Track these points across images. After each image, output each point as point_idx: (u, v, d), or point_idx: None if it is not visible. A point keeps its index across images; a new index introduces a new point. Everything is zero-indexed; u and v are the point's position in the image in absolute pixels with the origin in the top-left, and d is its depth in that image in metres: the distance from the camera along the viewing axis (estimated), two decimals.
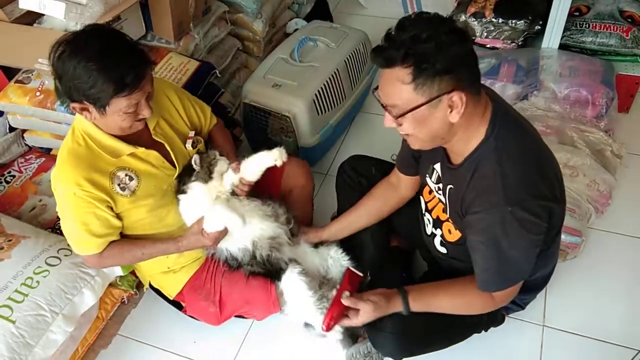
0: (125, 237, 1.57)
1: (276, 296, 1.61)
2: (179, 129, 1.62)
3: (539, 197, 1.15)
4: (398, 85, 1.11)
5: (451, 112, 1.13)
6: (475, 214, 1.20)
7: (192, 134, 1.64)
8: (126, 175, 1.48)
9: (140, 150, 1.49)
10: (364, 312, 1.36)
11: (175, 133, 1.60)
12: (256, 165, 1.53)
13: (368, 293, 1.39)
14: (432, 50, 1.06)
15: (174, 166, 1.56)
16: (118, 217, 1.50)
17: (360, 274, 1.45)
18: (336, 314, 1.37)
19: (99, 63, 1.27)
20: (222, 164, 1.56)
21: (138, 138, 1.48)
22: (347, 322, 1.39)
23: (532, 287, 1.50)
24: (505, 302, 1.35)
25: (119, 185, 1.46)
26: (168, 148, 1.54)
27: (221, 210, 1.47)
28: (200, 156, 1.54)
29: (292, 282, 1.52)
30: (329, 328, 1.38)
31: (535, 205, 1.15)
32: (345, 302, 1.36)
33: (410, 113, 1.13)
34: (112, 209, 1.47)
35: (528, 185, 1.15)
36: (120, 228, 1.53)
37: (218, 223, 1.47)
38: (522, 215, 1.14)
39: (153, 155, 1.52)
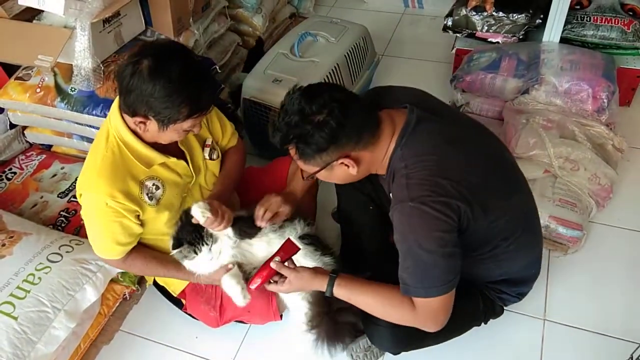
0: (143, 244, 1.60)
1: (277, 306, 1.62)
2: (200, 135, 1.61)
3: (439, 194, 1.19)
4: (294, 158, 1.29)
5: (348, 167, 1.28)
6: (391, 211, 1.26)
7: (209, 141, 1.62)
8: (153, 184, 1.48)
9: (172, 161, 1.49)
10: (288, 281, 1.39)
11: (197, 139, 1.60)
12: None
13: (302, 267, 1.44)
14: (303, 137, 1.22)
15: (192, 174, 1.57)
16: (141, 224, 1.51)
17: (299, 247, 1.45)
18: (264, 275, 1.41)
19: (181, 85, 1.28)
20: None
21: (166, 146, 1.48)
22: (272, 287, 1.42)
23: (518, 280, 1.50)
24: (426, 322, 1.29)
25: (147, 194, 1.47)
26: (188, 158, 1.55)
27: (233, 287, 1.50)
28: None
29: None
30: (256, 288, 1.42)
31: (436, 201, 1.19)
32: (272, 265, 1.39)
33: (313, 175, 1.33)
34: (139, 217, 1.48)
35: (428, 184, 1.21)
36: (140, 235, 1.54)
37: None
38: (423, 209, 1.19)
39: (181, 165, 1.53)
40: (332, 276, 1.37)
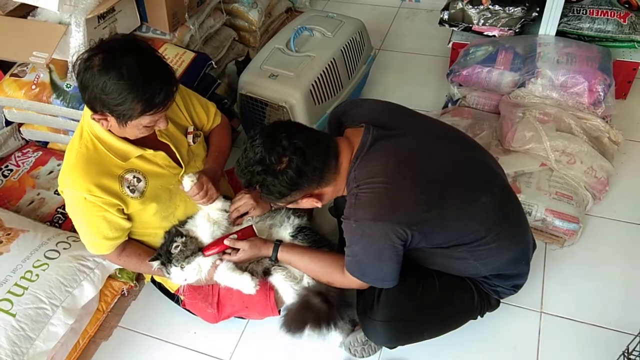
0: (139, 237, 1.63)
1: (275, 302, 1.63)
2: (181, 125, 1.62)
3: (382, 219, 1.28)
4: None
5: (313, 202, 1.37)
6: (342, 220, 1.36)
7: (191, 128, 1.64)
8: (134, 177, 1.49)
9: (149, 152, 1.49)
10: (242, 250, 1.54)
11: (179, 130, 1.60)
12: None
13: (255, 237, 1.59)
14: (266, 187, 1.31)
15: (180, 165, 1.57)
16: (128, 218, 1.52)
17: (256, 234, 1.59)
18: (219, 248, 1.54)
19: (131, 81, 1.26)
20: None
21: (144, 139, 1.48)
22: (227, 257, 1.55)
23: (509, 275, 1.50)
24: (350, 287, 1.50)
25: (128, 187, 1.47)
26: (173, 148, 1.55)
27: (238, 278, 1.57)
28: (185, 243, 1.54)
29: (279, 284, 1.62)
30: (210, 254, 1.54)
31: (377, 226, 1.28)
32: (226, 242, 1.53)
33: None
34: (123, 211, 1.49)
35: (374, 208, 1.29)
36: (129, 229, 1.56)
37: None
38: (365, 231, 1.31)
39: (160, 156, 1.52)
40: (276, 243, 1.55)
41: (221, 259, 1.56)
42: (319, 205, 1.39)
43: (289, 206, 1.41)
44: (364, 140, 1.35)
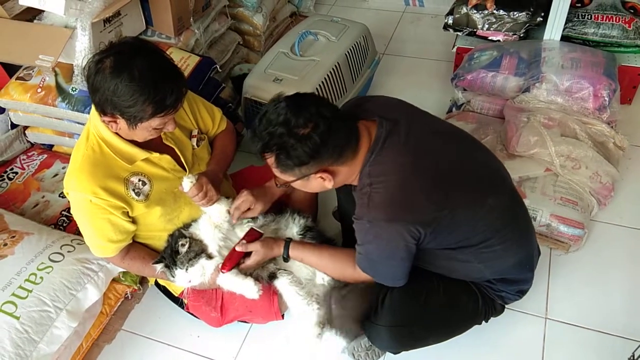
0: (143, 240, 1.63)
1: (278, 306, 1.63)
2: (186, 128, 1.63)
3: (396, 220, 1.26)
4: (271, 166, 1.30)
5: (324, 180, 1.31)
6: (354, 220, 1.34)
7: (195, 131, 1.65)
8: (139, 180, 1.49)
9: (154, 156, 1.50)
10: (255, 253, 1.51)
11: (184, 133, 1.61)
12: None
13: (266, 236, 1.58)
14: (286, 149, 1.22)
15: (184, 169, 1.58)
16: (133, 221, 1.53)
17: (261, 232, 1.57)
18: (232, 259, 1.52)
19: (142, 83, 1.27)
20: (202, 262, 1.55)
21: (150, 142, 1.48)
22: (243, 266, 1.53)
23: (513, 280, 1.50)
24: (360, 281, 1.48)
25: (133, 190, 1.48)
26: (178, 152, 1.55)
27: (241, 283, 1.55)
28: (190, 244, 1.54)
29: (284, 289, 1.59)
30: (227, 270, 1.51)
31: (392, 225, 1.27)
32: (238, 247, 1.51)
33: (288, 184, 1.35)
34: (127, 214, 1.49)
35: (389, 206, 1.27)
36: (134, 232, 1.56)
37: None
38: (379, 232, 1.29)
39: (165, 159, 1.53)
40: (287, 241, 1.55)
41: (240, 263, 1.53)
42: (330, 185, 1.33)
43: (296, 185, 1.36)
44: (378, 135, 1.32)
